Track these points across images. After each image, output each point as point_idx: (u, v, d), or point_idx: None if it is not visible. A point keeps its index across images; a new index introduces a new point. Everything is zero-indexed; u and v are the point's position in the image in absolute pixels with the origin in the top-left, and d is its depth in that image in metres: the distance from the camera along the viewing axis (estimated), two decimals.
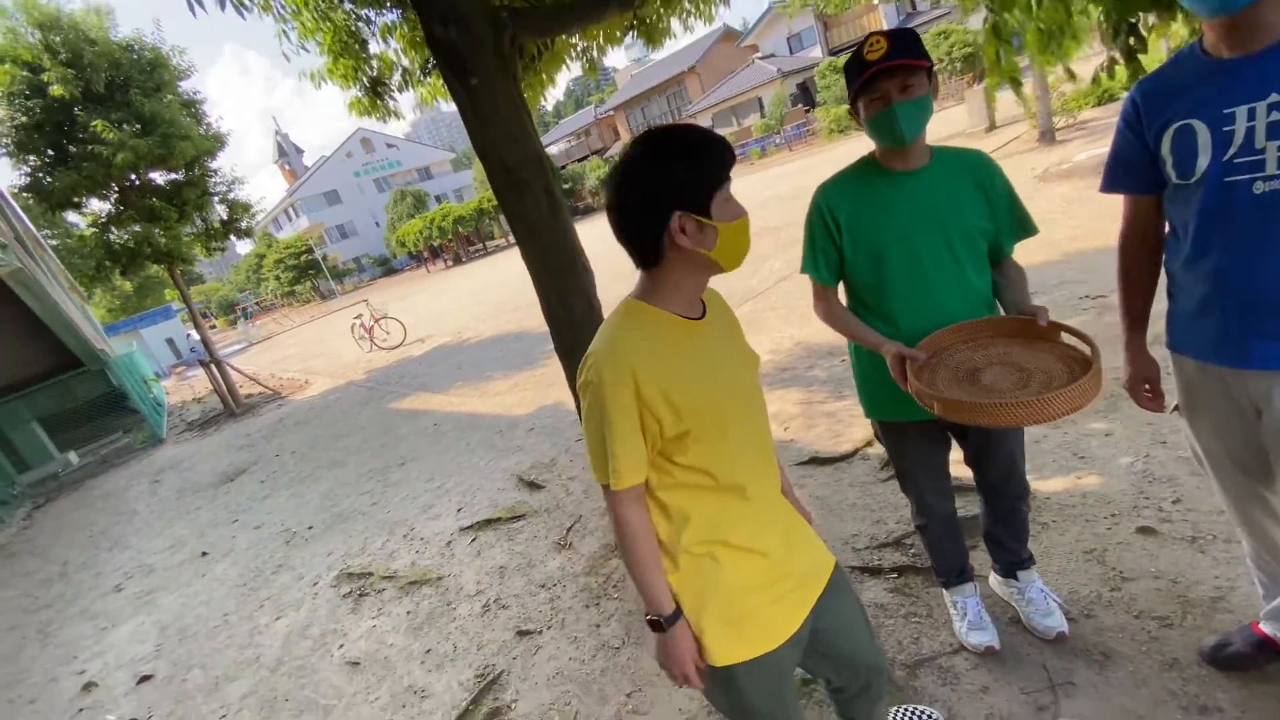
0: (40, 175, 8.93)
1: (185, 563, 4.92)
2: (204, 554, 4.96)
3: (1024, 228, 1.61)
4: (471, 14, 2.14)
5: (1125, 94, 1.37)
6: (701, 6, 2.60)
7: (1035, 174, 8.21)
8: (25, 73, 8.19)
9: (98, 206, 9.87)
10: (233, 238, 11.54)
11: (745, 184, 20.28)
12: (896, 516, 2.65)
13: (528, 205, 2.33)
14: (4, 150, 8.74)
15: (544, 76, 3.00)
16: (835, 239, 1.62)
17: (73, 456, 11.38)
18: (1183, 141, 1.22)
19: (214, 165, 10.65)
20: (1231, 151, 1.16)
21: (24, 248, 10.44)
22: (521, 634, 2.70)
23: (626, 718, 2.12)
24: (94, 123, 8.17)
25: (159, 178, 10.08)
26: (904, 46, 1.40)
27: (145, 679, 3.40)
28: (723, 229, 1.05)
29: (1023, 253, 1.65)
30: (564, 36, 2.78)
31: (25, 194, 9.00)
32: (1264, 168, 1.13)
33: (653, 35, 2.88)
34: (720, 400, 1.10)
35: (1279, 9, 1.09)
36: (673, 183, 1.02)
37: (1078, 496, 2.44)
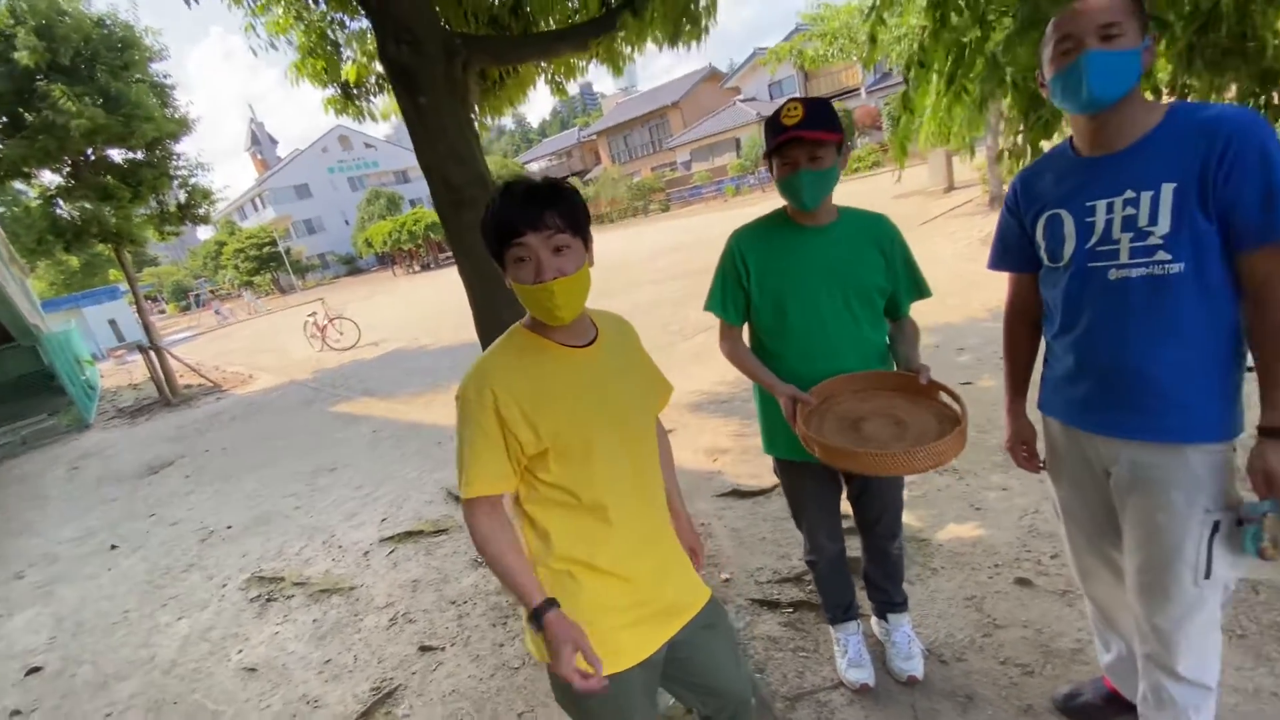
0: None
1: (93, 554, 4.71)
2: (114, 547, 4.75)
3: (918, 289, 1.76)
4: (425, 36, 2.22)
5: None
6: (660, 33, 2.70)
7: (980, 236, 8.66)
8: None
9: (49, 179, 9.56)
10: (190, 223, 11.21)
11: (713, 219, 20.76)
12: (800, 553, 2.74)
13: (465, 223, 2.39)
14: None
15: (508, 99, 3.10)
16: (744, 283, 1.72)
17: None
18: (1053, 229, 1.36)
19: (177, 149, 10.40)
20: (1093, 240, 1.29)
21: None
22: (424, 649, 2.68)
23: None
24: (53, 88, 7.92)
25: (117, 155, 9.82)
26: (818, 118, 1.51)
27: (34, 670, 3.24)
28: (514, 287, 1.11)
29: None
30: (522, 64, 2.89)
31: None
32: (1118, 256, 1.26)
33: (615, 62, 2.99)
34: (586, 424, 1.16)
35: (1137, 114, 1.23)
36: (485, 226, 1.11)
37: (968, 545, 2.57)
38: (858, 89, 30.29)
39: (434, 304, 16.46)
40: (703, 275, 1.47)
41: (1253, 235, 1.15)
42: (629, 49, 2.79)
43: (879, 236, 1.69)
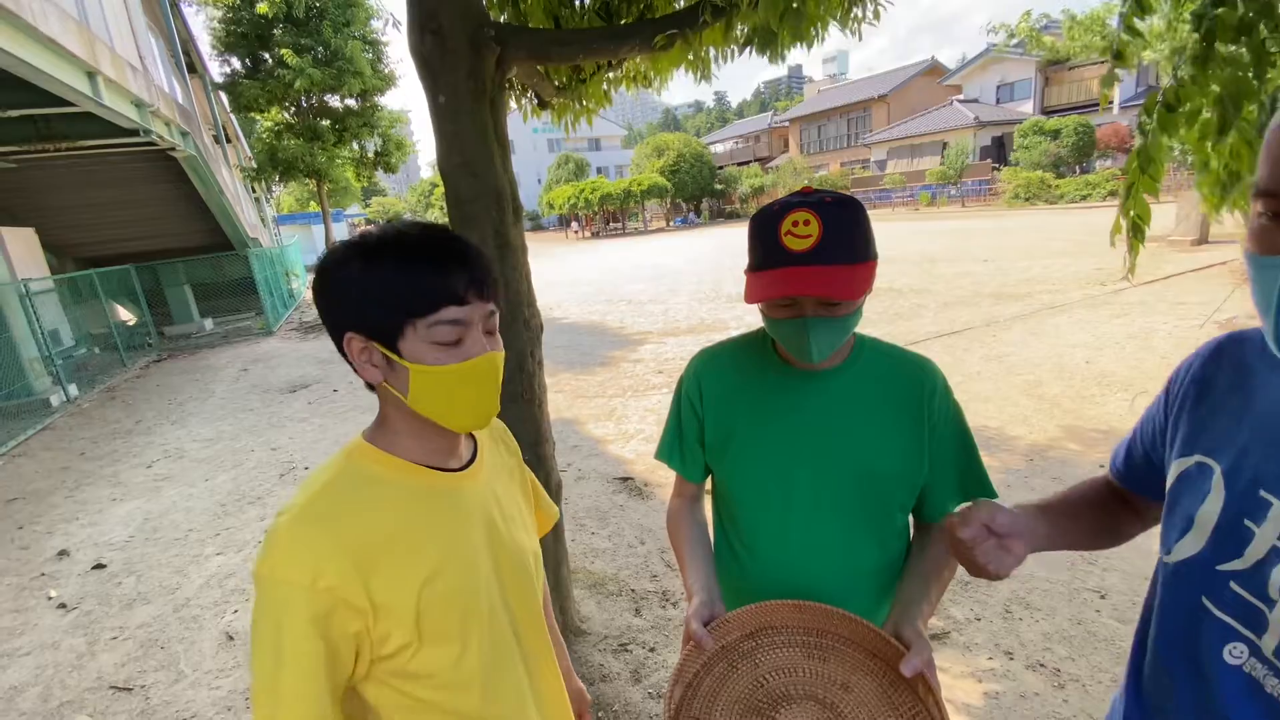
0: (235, 78, 10.00)
1: (207, 461, 5.31)
2: (221, 459, 5.32)
3: (977, 486, 1.09)
4: (449, 27, 1.92)
5: None
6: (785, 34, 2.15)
7: (1223, 317, 6.75)
8: None
9: (279, 115, 11.03)
10: (382, 170, 12.38)
11: (898, 228, 18.85)
12: None
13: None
14: (213, 50, 9.87)
15: (584, 103, 2.73)
16: (701, 435, 1.17)
17: (208, 323, 12.99)
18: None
19: (382, 100, 11.45)
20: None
21: (217, 138, 11.89)
22: None
23: None
24: (282, 50, 9.00)
25: (334, 101, 11.05)
26: (843, 243, 0.93)
27: (99, 567, 3.65)
28: (416, 372, 0.75)
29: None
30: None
31: (220, 91, 10.10)
32: None
33: (704, 69, 2.51)
34: (468, 587, 0.81)
35: None
36: (351, 291, 0.75)
37: None
38: (1110, 102, 25.64)
39: (584, 273, 16.84)
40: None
41: None
42: (713, 52, 2.28)
43: (914, 396, 1.06)
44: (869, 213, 1.01)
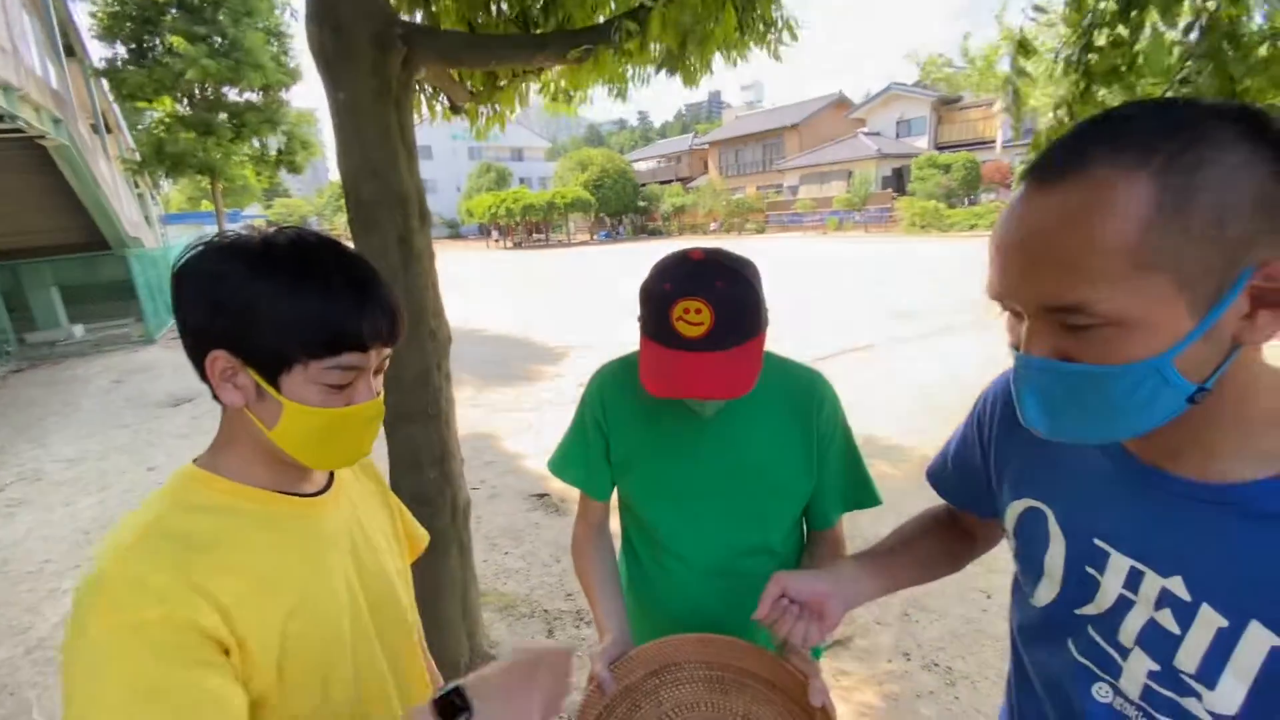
0: (117, 63, 9.18)
1: (69, 483, 4.74)
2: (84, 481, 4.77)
3: (857, 494, 1.13)
4: (350, 23, 1.83)
5: None
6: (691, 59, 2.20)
7: None
8: None
9: (170, 106, 10.18)
10: (285, 170, 11.69)
11: (807, 244, 19.81)
12: None
13: (373, 249, 1.99)
14: (93, 32, 9.02)
15: (495, 107, 2.68)
16: (607, 452, 1.15)
17: (78, 330, 11.68)
18: None
19: (285, 96, 10.82)
20: None
21: (95, 127, 10.82)
22: None
23: None
24: (173, 38, 8.37)
25: (232, 94, 10.32)
26: (735, 325, 0.91)
27: None
28: (293, 410, 0.67)
29: None
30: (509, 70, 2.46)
31: (101, 77, 9.25)
32: None
33: (621, 87, 2.52)
34: (329, 620, 0.72)
35: None
36: (228, 305, 0.64)
37: None
38: (993, 141, 28.17)
39: (506, 283, 16.53)
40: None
41: None
42: (631, 71, 2.30)
43: (803, 404, 1.09)
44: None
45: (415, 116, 2.39)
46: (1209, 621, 0.55)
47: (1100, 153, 0.47)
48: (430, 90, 2.58)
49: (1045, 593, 0.71)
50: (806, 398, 1.09)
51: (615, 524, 1.22)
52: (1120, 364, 0.49)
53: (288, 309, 0.64)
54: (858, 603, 0.88)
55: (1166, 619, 0.58)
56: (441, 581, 2.28)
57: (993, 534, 0.94)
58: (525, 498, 4.06)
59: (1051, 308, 0.51)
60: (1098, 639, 0.65)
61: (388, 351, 0.74)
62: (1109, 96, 1.95)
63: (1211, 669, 0.55)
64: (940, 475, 0.93)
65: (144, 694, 0.55)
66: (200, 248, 0.68)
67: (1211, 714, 0.56)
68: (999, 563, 3.02)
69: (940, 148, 30.08)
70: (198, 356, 0.67)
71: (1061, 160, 0.49)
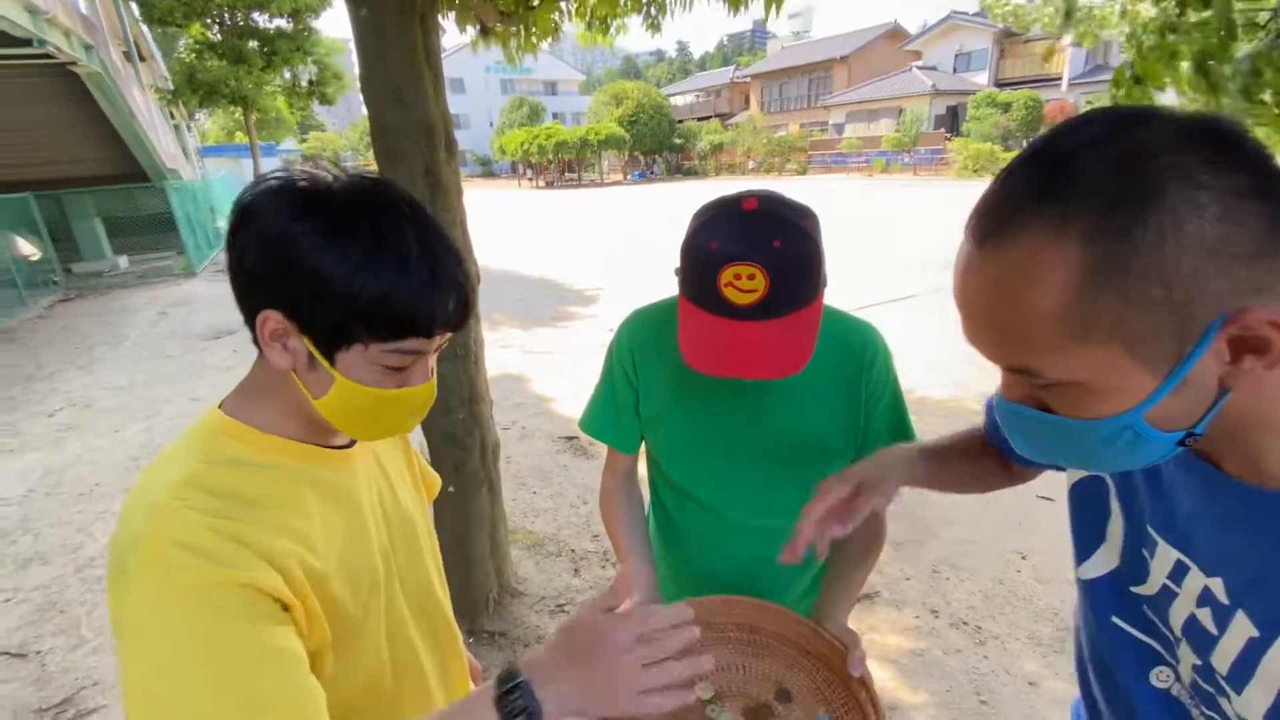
0: None
1: (116, 410, 4.93)
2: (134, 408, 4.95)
3: (899, 432, 1.03)
4: None
5: None
6: None
7: None
8: None
9: (199, 32, 10.01)
10: (318, 101, 11.54)
11: (852, 187, 18.98)
12: None
13: (399, 179, 1.90)
14: None
15: (528, 32, 2.50)
16: (637, 406, 1.07)
17: (123, 261, 12.00)
18: None
19: (316, 24, 10.54)
20: None
21: (128, 55, 10.75)
22: None
23: None
24: None
25: (262, 20, 10.09)
26: (791, 294, 0.81)
27: None
28: (344, 386, 0.63)
29: None
30: None
31: (130, 1, 9.09)
32: None
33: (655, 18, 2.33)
34: (367, 571, 0.72)
35: None
36: (295, 265, 0.58)
37: None
38: (1059, 78, 26.20)
39: (536, 223, 16.34)
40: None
41: None
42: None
43: (853, 367, 0.98)
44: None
45: (443, 40, 2.24)
46: (1242, 628, 0.53)
47: (1028, 213, 0.44)
48: (459, 9, 2.40)
49: (1102, 563, 0.68)
50: (859, 355, 0.99)
51: (644, 469, 1.16)
52: (1090, 419, 0.48)
53: (359, 287, 0.58)
54: (915, 485, 0.86)
55: (1206, 617, 0.56)
56: (471, 519, 2.29)
57: (1029, 475, 0.91)
58: (555, 439, 4.06)
59: (1008, 367, 0.51)
60: (1153, 618, 0.63)
61: (449, 335, 0.68)
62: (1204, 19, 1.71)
63: (1241, 675, 0.53)
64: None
65: (218, 654, 0.53)
66: (273, 182, 0.61)
67: (1239, 718, 0.54)
68: (1036, 523, 2.93)
69: (1001, 84, 28.16)
70: (249, 305, 0.62)
71: (992, 220, 0.46)
